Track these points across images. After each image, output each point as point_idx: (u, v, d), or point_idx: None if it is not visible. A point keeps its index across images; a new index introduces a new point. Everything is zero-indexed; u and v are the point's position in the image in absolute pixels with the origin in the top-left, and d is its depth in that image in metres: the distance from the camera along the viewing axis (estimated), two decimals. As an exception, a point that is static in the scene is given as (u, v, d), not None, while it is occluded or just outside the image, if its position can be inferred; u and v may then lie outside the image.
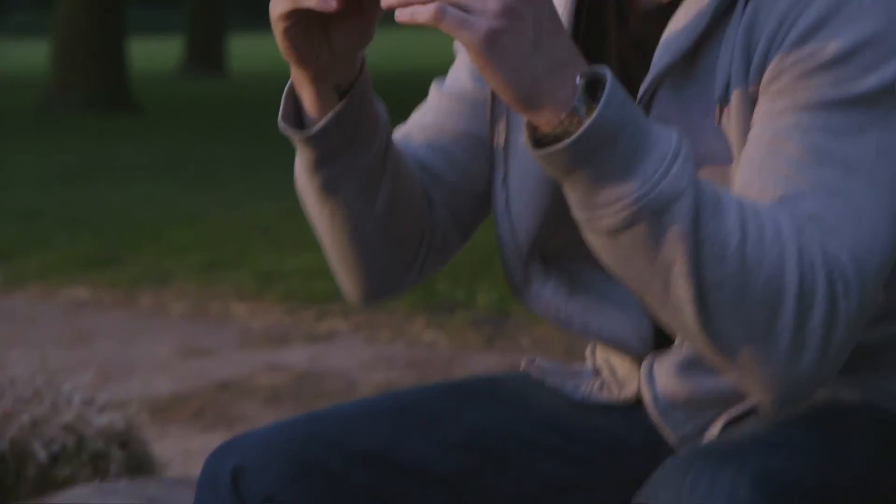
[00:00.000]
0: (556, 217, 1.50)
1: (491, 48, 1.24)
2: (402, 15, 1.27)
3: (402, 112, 1.75)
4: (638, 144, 1.25)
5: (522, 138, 1.31)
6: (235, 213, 7.29)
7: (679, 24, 1.40)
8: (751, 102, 1.37)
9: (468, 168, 1.56)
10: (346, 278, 1.55)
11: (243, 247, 6.41)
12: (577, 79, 1.26)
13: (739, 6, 1.37)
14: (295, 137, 1.45)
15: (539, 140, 1.28)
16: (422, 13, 1.25)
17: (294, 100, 1.46)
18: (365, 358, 4.54)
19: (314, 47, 1.39)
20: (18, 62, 28.01)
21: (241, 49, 28.57)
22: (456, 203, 1.57)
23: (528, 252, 1.53)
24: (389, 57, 25.32)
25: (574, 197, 1.28)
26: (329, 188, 1.48)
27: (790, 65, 1.33)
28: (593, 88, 1.26)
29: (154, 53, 29.31)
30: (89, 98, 14.28)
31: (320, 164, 1.46)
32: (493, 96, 1.52)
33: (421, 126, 1.58)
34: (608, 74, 1.26)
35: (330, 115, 1.43)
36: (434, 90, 1.61)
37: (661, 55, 1.40)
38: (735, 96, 1.37)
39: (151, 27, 43.37)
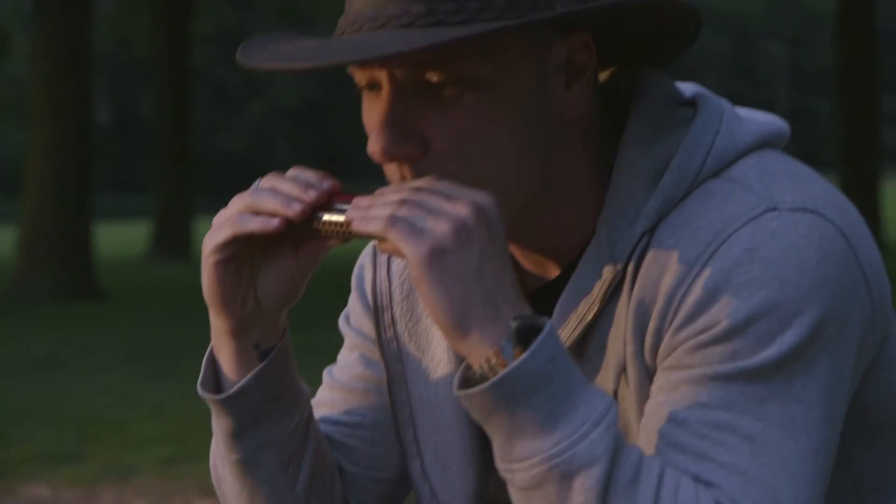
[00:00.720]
0: (486, 475, 1.46)
1: (431, 264, 1.24)
2: (358, 224, 1.27)
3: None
4: (559, 402, 1.23)
5: (430, 412, 1.35)
6: (199, 404, 7.15)
7: (567, 307, 1.38)
8: (648, 378, 1.34)
9: (374, 455, 1.53)
10: None
11: (207, 440, 6.28)
12: (511, 321, 1.24)
13: (626, 286, 1.35)
14: (214, 402, 1.40)
15: (467, 380, 1.26)
16: (374, 222, 1.26)
17: (213, 366, 1.42)
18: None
19: (241, 290, 1.37)
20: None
21: (207, 230, 28.75)
22: (373, 490, 1.53)
23: None
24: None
25: (495, 445, 1.27)
26: (248, 462, 1.42)
27: (683, 339, 1.31)
28: (528, 336, 1.24)
29: (121, 238, 29.48)
30: (55, 286, 14.25)
31: (240, 433, 1.41)
32: (390, 375, 1.50)
33: (318, 418, 1.53)
34: (547, 325, 1.24)
35: (249, 375, 1.39)
36: (326, 379, 1.58)
37: None
38: (631, 375, 1.35)
39: (119, 212, 43.71)
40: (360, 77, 1.34)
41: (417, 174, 1.32)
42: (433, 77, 1.30)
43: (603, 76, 1.47)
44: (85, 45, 14.65)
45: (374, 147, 1.32)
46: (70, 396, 7.86)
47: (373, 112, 1.33)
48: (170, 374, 8.56)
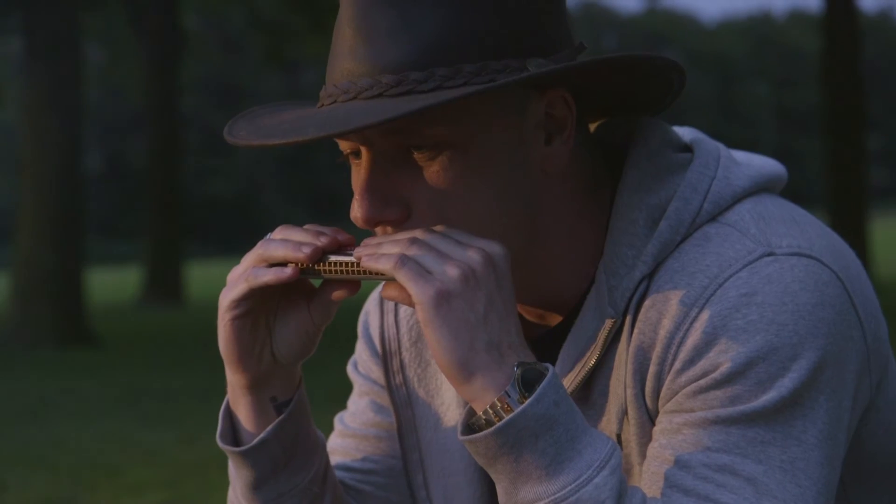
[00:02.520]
0: None
1: (438, 307, 1.25)
2: (367, 261, 1.29)
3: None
4: (564, 447, 1.24)
5: (438, 453, 1.33)
6: (193, 448, 7.18)
7: (570, 353, 1.39)
8: (650, 421, 1.36)
9: (387, 501, 1.54)
10: None
11: (201, 484, 6.31)
12: (516, 366, 1.26)
13: (626, 330, 1.36)
14: (233, 454, 1.42)
15: (471, 426, 1.27)
16: (383, 260, 1.27)
17: (230, 418, 1.43)
18: None
19: (258, 345, 1.38)
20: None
21: (199, 276, 28.66)
22: None
23: None
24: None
25: (499, 489, 1.27)
26: None
27: (684, 384, 1.32)
28: (532, 382, 1.26)
29: (113, 284, 29.33)
30: (48, 332, 14.21)
31: (260, 485, 1.42)
32: (399, 421, 1.51)
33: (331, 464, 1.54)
34: (550, 371, 1.26)
35: (269, 428, 1.40)
36: (337, 426, 1.60)
37: None
38: (632, 417, 1.36)
39: (111, 258, 43.55)
40: (343, 146, 1.37)
41: None
42: (408, 143, 1.32)
43: (596, 126, 1.48)
44: (76, 94, 14.68)
45: (355, 214, 1.34)
46: (64, 442, 7.81)
47: (356, 179, 1.36)
48: (164, 418, 8.48)
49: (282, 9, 21.18)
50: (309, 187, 53.16)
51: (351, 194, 1.38)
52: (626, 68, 1.37)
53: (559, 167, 1.37)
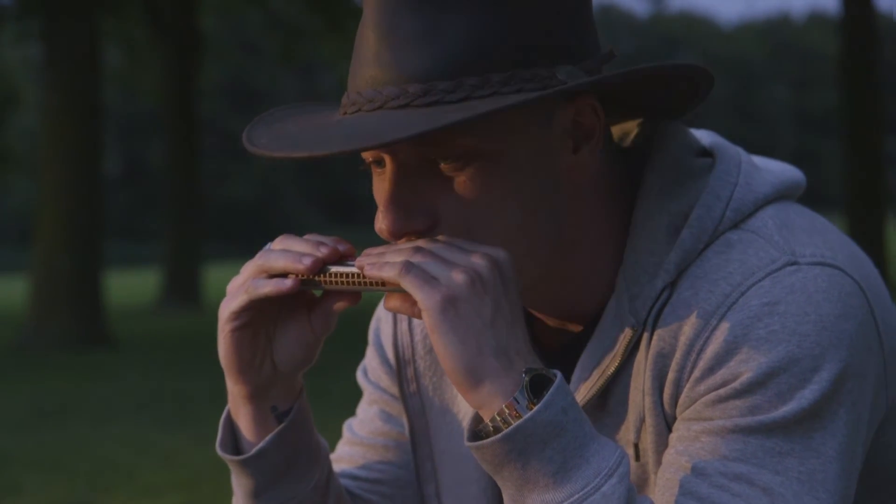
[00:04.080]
0: None
1: (444, 313, 1.24)
2: (371, 269, 1.27)
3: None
4: (571, 454, 1.23)
5: (452, 462, 1.33)
6: (211, 451, 7.15)
7: (590, 361, 1.38)
8: (667, 429, 1.34)
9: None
10: None
11: (218, 487, 6.31)
12: (524, 372, 1.25)
13: (646, 338, 1.35)
14: (233, 462, 1.41)
15: (477, 433, 1.26)
16: (387, 268, 1.26)
17: (231, 427, 1.42)
18: None
19: (258, 355, 1.38)
20: (-5, 299, 28.02)
21: (217, 278, 28.72)
22: None
23: None
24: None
25: (506, 497, 1.26)
26: None
27: (703, 392, 1.31)
28: (540, 388, 1.24)
29: (131, 287, 29.40)
30: (66, 335, 14.25)
31: (260, 493, 1.41)
32: (413, 430, 1.50)
33: (338, 472, 1.54)
34: (558, 377, 1.25)
35: (269, 437, 1.39)
36: (346, 433, 1.59)
37: (576, 393, 1.38)
38: (650, 425, 1.35)
39: (128, 261, 43.66)
40: (366, 154, 1.35)
41: None
42: (434, 154, 1.30)
43: (617, 129, 1.47)
44: (94, 97, 14.73)
45: (380, 225, 1.32)
46: (82, 445, 7.83)
47: (380, 189, 1.34)
48: (181, 421, 8.50)
49: (300, 8, 21.20)
50: (327, 190, 53.23)
51: (370, 199, 1.36)
52: (656, 77, 1.35)
53: (586, 176, 1.36)
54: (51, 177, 14.49)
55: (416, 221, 1.32)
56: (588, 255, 1.38)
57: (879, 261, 16.05)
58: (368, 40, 1.31)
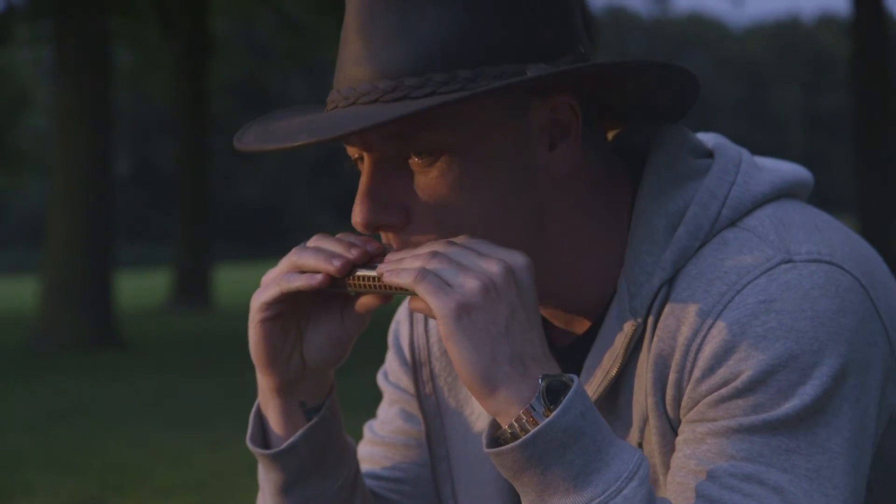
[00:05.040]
0: None
1: (458, 320, 1.24)
2: (389, 276, 1.29)
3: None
4: (591, 459, 1.24)
5: (468, 465, 1.32)
6: (222, 452, 7.20)
7: (594, 362, 1.38)
8: (671, 430, 1.35)
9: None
10: None
11: (229, 487, 6.33)
12: (540, 379, 1.25)
13: (647, 338, 1.35)
14: (263, 456, 1.42)
15: (496, 439, 1.27)
16: (404, 274, 1.27)
17: (261, 421, 1.44)
18: None
19: (287, 349, 1.39)
20: (8, 300, 28.08)
21: (228, 279, 28.72)
22: None
23: None
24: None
25: (525, 502, 1.27)
26: None
27: (705, 393, 1.31)
28: (557, 393, 1.25)
29: (141, 287, 29.45)
30: (77, 336, 14.29)
31: (289, 488, 1.43)
32: (429, 430, 1.51)
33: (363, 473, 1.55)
34: (575, 382, 1.25)
35: (299, 433, 1.41)
36: (367, 434, 1.60)
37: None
38: (653, 426, 1.35)
39: (139, 262, 43.72)
40: (350, 151, 1.37)
41: (402, 242, 1.34)
42: (408, 148, 1.32)
43: (617, 132, 1.47)
44: (106, 98, 14.77)
45: (355, 218, 1.34)
46: (93, 445, 7.84)
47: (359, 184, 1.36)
48: (192, 422, 8.48)
49: (311, 10, 21.23)
50: (337, 192, 53.25)
51: None
52: (635, 75, 1.35)
53: (564, 173, 1.36)
54: (63, 178, 14.53)
55: (389, 214, 1.34)
56: (582, 250, 1.38)
57: (890, 262, 15.99)
58: (349, 41, 1.34)
